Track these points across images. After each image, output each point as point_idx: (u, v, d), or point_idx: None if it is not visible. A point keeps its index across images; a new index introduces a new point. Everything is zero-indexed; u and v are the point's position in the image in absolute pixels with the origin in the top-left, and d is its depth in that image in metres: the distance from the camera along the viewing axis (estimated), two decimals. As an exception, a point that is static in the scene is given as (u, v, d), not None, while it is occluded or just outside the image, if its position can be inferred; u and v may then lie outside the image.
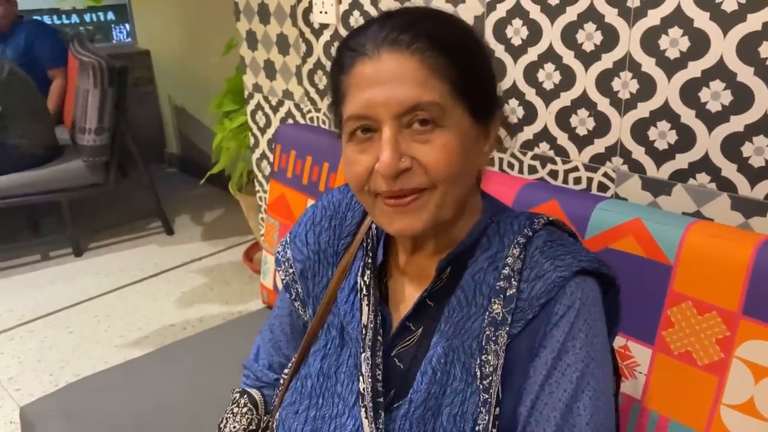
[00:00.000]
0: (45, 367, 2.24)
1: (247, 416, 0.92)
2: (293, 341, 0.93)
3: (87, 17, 4.65)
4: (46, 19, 4.45)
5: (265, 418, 0.93)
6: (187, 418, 1.26)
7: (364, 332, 0.76)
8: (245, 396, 0.93)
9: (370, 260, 0.81)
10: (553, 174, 1.29)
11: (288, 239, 0.91)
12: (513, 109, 1.31)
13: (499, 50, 1.30)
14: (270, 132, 2.02)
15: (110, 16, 4.67)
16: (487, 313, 0.71)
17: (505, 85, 1.30)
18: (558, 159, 1.27)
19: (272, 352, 0.95)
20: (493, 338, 0.70)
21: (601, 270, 0.72)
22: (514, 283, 0.71)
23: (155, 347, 1.62)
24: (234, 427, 0.91)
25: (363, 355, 0.75)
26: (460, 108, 0.69)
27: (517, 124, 1.31)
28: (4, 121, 2.88)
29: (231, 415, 0.93)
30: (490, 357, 0.69)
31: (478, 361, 0.70)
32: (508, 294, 0.71)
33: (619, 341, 0.96)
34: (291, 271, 0.90)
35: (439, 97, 0.66)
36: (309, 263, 0.88)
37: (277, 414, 0.84)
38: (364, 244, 0.83)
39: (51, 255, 3.11)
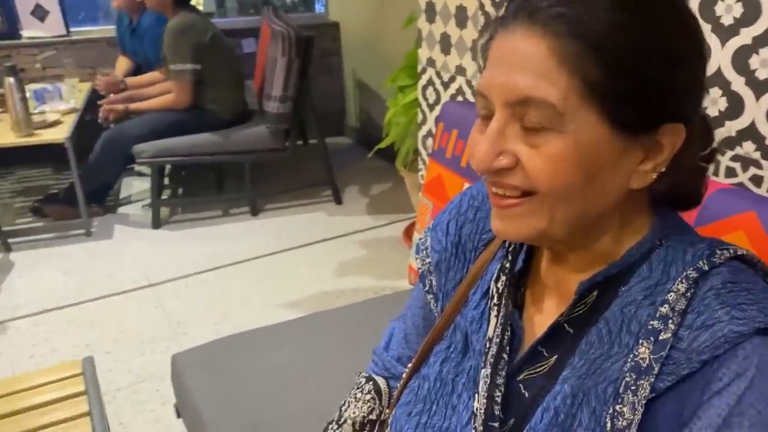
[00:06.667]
0: (210, 316, 2.40)
1: (369, 404, 0.87)
2: (424, 335, 0.86)
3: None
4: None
5: (387, 411, 0.88)
6: (316, 390, 1.26)
7: (488, 346, 0.67)
8: (371, 383, 0.89)
9: (508, 264, 0.71)
10: (757, 180, 1.08)
11: (430, 226, 0.84)
12: (714, 100, 1.12)
13: (705, 30, 1.10)
14: (438, 109, 1.94)
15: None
16: (632, 355, 0.58)
17: (706, 70, 1.11)
18: (764, 163, 1.06)
19: (403, 344, 0.89)
20: (633, 387, 0.56)
21: None
22: (671, 326, 0.56)
23: (307, 312, 1.65)
24: (354, 412, 0.87)
25: (483, 372, 0.66)
26: (593, 113, 0.55)
27: (717, 117, 1.11)
28: (202, 84, 3.11)
29: (353, 400, 0.89)
30: (625, 409, 0.56)
31: (611, 411, 0.57)
32: (661, 338, 0.57)
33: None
34: (428, 260, 0.83)
35: (558, 96, 0.54)
36: (445, 255, 0.80)
37: (393, 410, 0.78)
38: (506, 244, 0.73)
39: (231, 212, 3.34)
